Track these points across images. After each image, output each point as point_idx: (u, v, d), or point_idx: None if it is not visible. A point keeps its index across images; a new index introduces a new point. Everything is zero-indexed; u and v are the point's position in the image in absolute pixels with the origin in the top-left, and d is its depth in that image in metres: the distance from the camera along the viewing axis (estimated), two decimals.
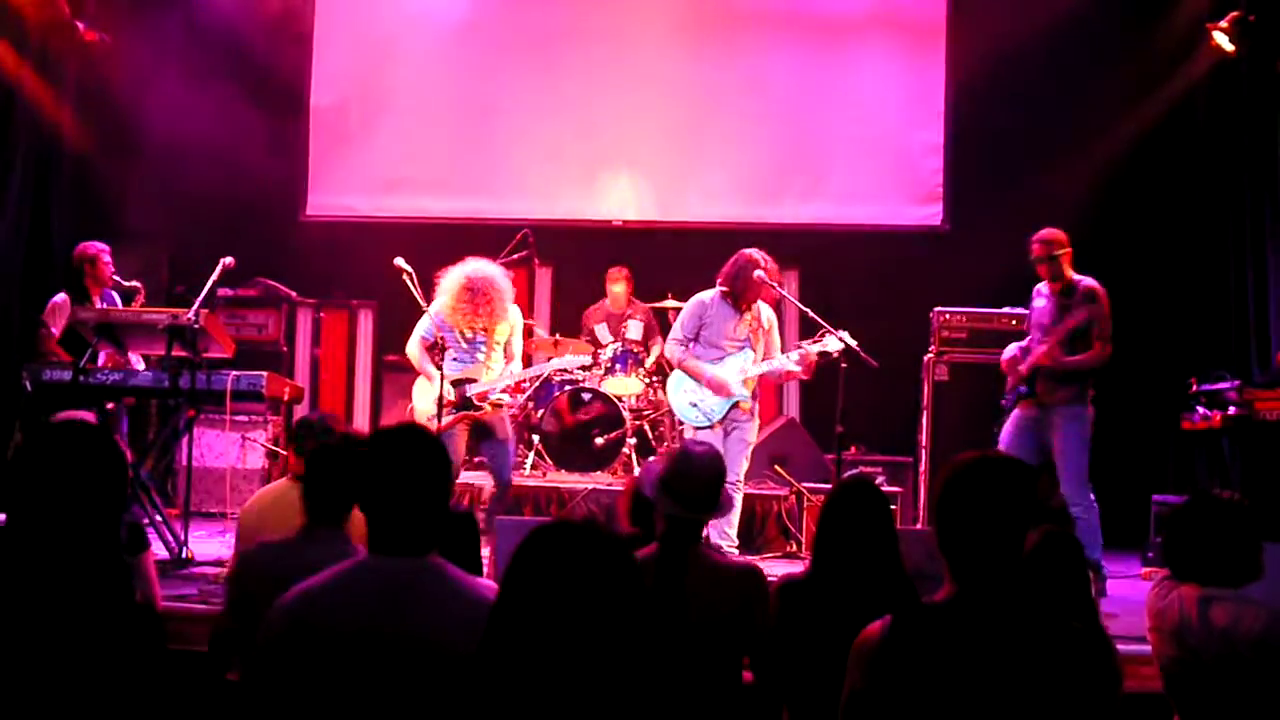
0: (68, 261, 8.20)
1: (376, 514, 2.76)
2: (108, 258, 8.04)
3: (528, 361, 7.98)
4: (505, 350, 7.21)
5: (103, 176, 9.87)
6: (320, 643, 2.62)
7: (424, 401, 7.16)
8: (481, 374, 7.09)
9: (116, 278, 8.04)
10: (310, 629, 2.64)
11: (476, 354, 7.13)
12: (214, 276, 7.14)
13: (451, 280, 7.06)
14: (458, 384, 7.04)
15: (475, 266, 7.11)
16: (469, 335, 7.10)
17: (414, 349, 7.20)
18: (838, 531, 3.84)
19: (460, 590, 2.71)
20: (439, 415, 6.88)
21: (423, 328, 7.12)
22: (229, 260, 7.18)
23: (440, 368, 6.97)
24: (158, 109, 9.86)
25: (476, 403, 7.04)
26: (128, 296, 8.01)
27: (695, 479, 3.79)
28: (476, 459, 8.01)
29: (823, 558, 3.86)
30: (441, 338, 6.98)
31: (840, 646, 3.48)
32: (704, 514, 3.85)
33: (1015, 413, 6.92)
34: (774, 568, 6.83)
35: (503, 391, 7.16)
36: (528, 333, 7.74)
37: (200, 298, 7.02)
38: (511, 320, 7.19)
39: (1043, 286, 7.01)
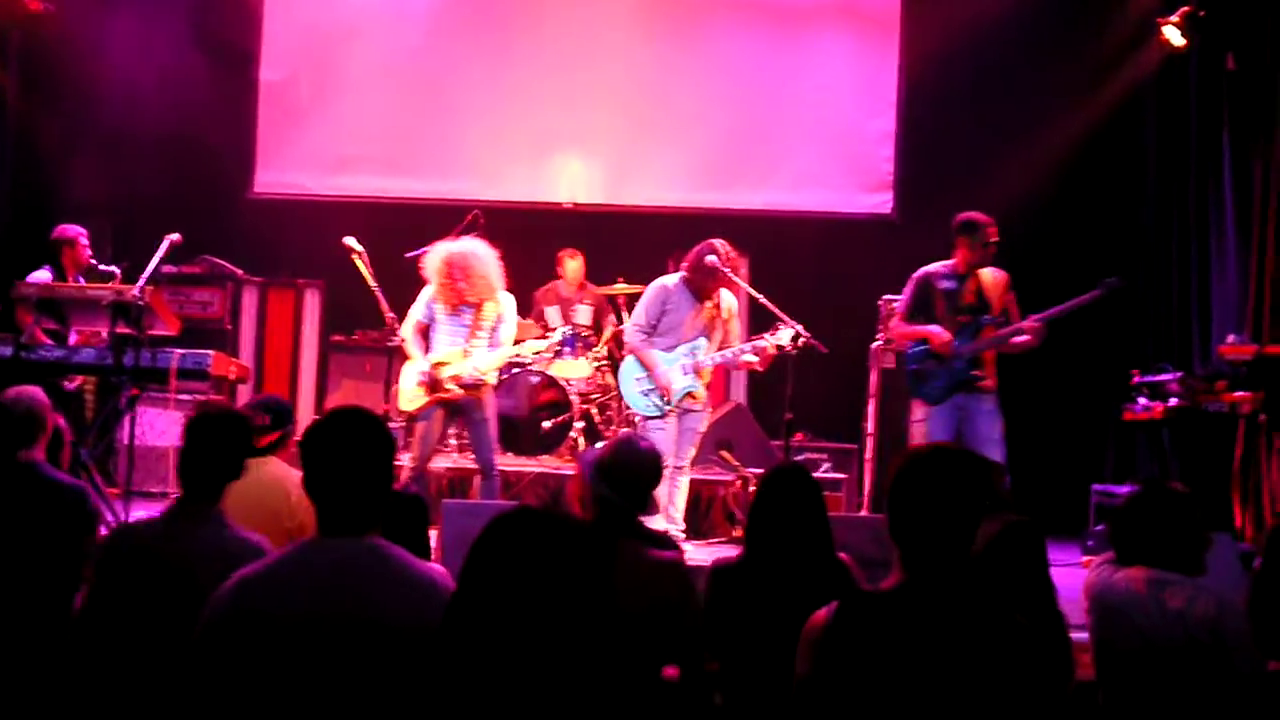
0: (42, 241, 8.13)
1: (321, 496, 2.76)
2: (85, 241, 8.09)
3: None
4: (493, 337, 7.07)
5: (47, 149, 9.72)
6: (262, 628, 2.60)
7: (407, 381, 7.11)
8: (457, 357, 7.01)
9: (93, 261, 8.00)
10: (251, 615, 2.62)
11: (458, 336, 7.04)
12: (160, 253, 7.04)
13: (434, 257, 7.04)
14: (436, 365, 6.99)
15: (458, 244, 7.09)
16: (452, 314, 7.00)
17: (407, 329, 7.12)
18: (770, 516, 3.87)
19: (403, 570, 2.71)
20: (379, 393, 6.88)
21: (416, 310, 7.07)
22: (175, 236, 7.09)
23: (427, 350, 6.97)
24: (104, 81, 9.73)
25: (447, 385, 6.98)
26: (104, 280, 7.92)
27: (635, 471, 3.78)
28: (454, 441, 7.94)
29: (755, 542, 3.90)
30: (431, 319, 6.99)
31: (772, 630, 3.48)
32: (638, 506, 3.83)
33: (945, 405, 6.84)
34: (719, 553, 6.84)
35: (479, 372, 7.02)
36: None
37: (145, 274, 6.92)
38: (501, 306, 7.08)
39: (939, 268, 6.94)
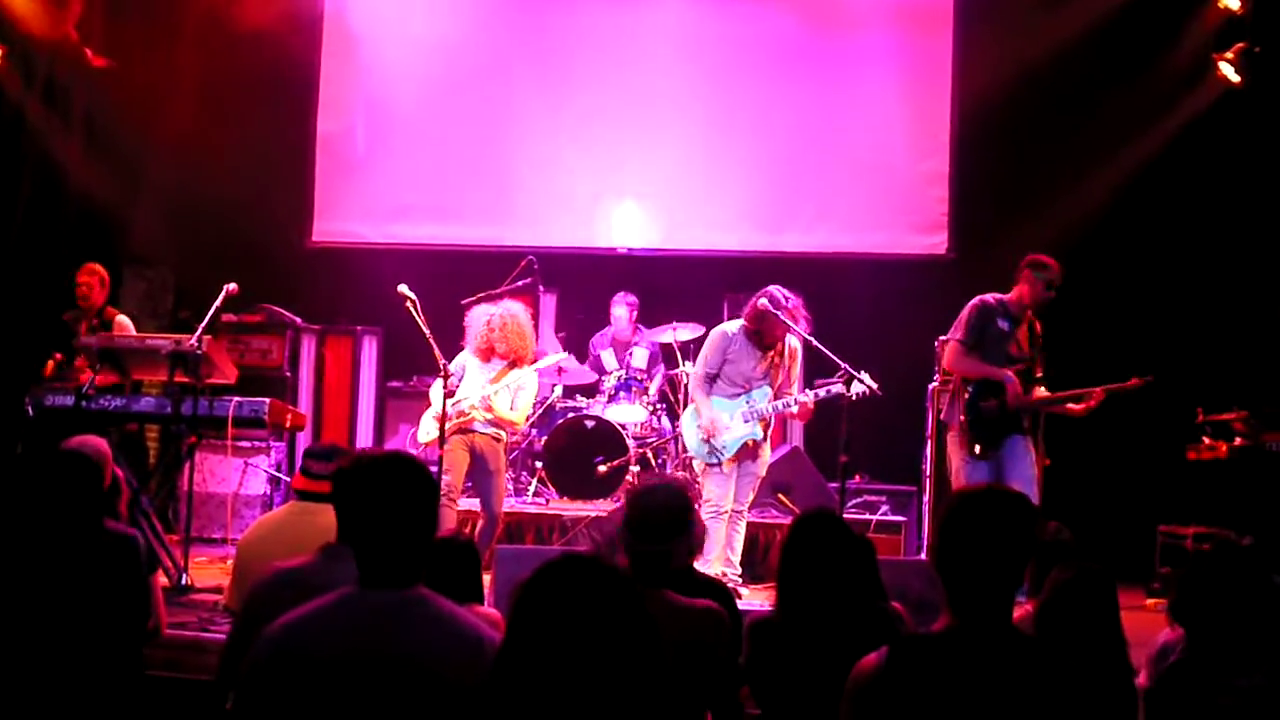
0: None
1: (362, 546, 2.71)
2: None
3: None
4: (513, 399, 7.33)
5: (109, 202, 9.89)
6: (306, 672, 2.59)
7: (425, 421, 7.49)
8: (474, 393, 7.28)
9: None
10: (296, 658, 2.61)
11: (481, 382, 7.32)
12: (217, 302, 7.13)
13: (480, 310, 7.48)
14: (455, 404, 7.19)
15: (505, 303, 7.55)
16: (482, 364, 7.33)
17: (435, 388, 7.40)
18: (799, 568, 3.69)
19: (448, 620, 2.67)
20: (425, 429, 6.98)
21: (451, 366, 7.29)
22: (232, 286, 7.18)
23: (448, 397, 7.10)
24: (164, 135, 9.90)
25: (464, 410, 7.20)
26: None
27: (656, 514, 3.61)
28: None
29: (787, 595, 3.72)
30: (457, 375, 7.23)
31: (813, 684, 3.40)
32: (666, 544, 3.64)
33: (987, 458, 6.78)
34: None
35: (493, 422, 7.27)
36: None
37: (203, 323, 7.01)
38: (527, 377, 7.40)
39: (996, 303, 6.90)
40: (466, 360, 7.42)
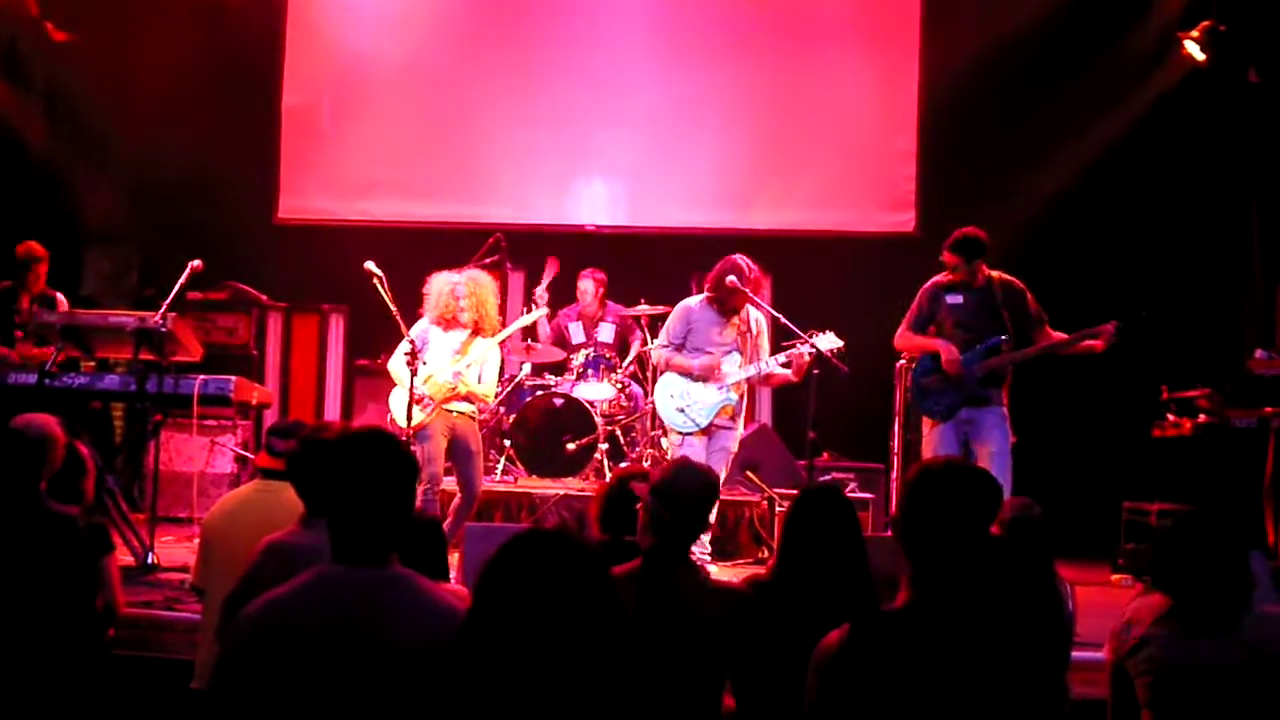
0: (63, 268, 8.29)
1: (342, 522, 2.68)
2: None
3: (501, 371, 7.89)
4: (481, 373, 7.19)
5: (72, 178, 9.79)
6: (287, 650, 2.58)
7: (397, 403, 7.20)
8: (443, 372, 7.11)
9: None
10: (277, 636, 2.59)
11: (447, 354, 7.15)
12: (182, 279, 7.07)
13: (439, 278, 7.25)
14: (425, 380, 7.05)
15: (465, 272, 7.33)
16: (444, 333, 7.15)
17: (394, 361, 7.22)
18: (803, 539, 3.76)
19: (425, 598, 2.67)
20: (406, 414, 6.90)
21: (411, 335, 7.13)
22: (197, 263, 7.11)
23: (414, 374, 6.98)
24: (128, 110, 9.80)
25: (438, 386, 7.04)
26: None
27: (693, 492, 3.63)
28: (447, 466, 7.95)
29: (787, 566, 3.78)
30: (419, 346, 7.01)
31: (800, 654, 3.41)
32: (691, 524, 3.65)
33: (949, 423, 6.75)
34: (744, 575, 6.80)
35: (468, 400, 7.16)
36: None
37: (168, 301, 6.95)
38: (491, 349, 7.23)
39: (946, 280, 6.86)
40: (428, 329, 7.21)
